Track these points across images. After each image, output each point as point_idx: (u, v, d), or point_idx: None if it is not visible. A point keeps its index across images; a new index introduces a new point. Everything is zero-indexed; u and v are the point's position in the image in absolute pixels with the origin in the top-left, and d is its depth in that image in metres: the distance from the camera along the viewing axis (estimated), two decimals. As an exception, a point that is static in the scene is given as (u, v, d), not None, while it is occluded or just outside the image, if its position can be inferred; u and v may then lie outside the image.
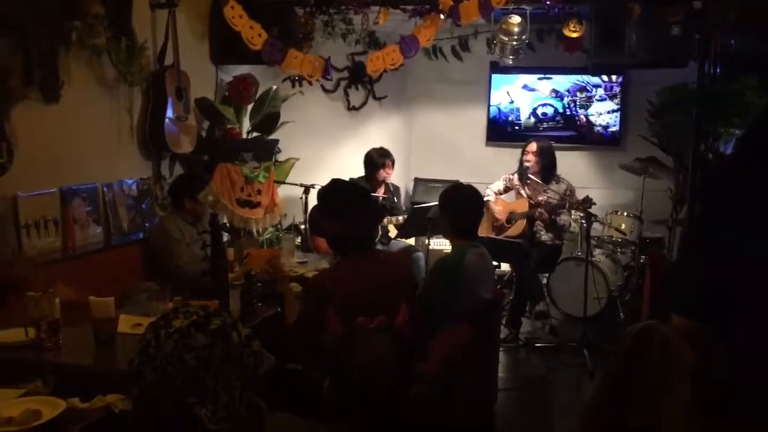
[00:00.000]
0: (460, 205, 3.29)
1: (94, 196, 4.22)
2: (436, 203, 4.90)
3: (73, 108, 3.96)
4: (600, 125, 6.52)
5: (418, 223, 5.01)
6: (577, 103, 6.54)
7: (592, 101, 6.50)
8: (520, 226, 5.50)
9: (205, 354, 1.23)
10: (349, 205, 2.65)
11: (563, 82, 6.56)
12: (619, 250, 5.92)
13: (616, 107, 6.44)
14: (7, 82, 3.47)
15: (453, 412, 3.01)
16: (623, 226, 5.56)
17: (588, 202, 4.92)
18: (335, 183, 2.85)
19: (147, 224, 4.59)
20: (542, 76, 6.62)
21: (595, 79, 6.46)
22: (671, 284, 2.05)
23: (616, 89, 6.42)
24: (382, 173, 5.54)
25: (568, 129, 6.59)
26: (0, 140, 3.33)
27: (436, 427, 2.41)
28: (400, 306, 2.32)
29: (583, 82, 6.51)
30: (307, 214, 5.07)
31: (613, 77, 6.41)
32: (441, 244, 5.76)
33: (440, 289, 3.07)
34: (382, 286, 2.47)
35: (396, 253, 5.08)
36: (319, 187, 5.06)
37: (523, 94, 6.70)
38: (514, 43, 5.03)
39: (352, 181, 3.10)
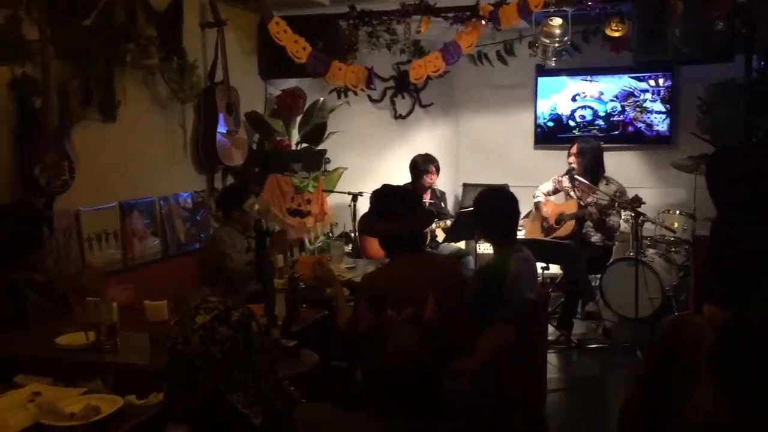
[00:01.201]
0: (490, 213, 3.31)
1: (152, 210, 4.42)
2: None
3: (129, 126, 4.17)
4: (650, 125, 6.44)
5: (465, 226, 5.06)
6: (626, 108, 6.48)
7: (641, 105, 6.43)
8: (569, 227, 5.48)
9: (230, 345, 1.32)
10: (399, 207, 2.78)
11: (611, 88, 6.51)
12: (673, 249, 5.83)
13: (665, 107, 6.35)
14: (67, 103, 3.70)
15: (496, 410, 3.04)
16: (676, 225, 5.48)
17: (637, 201, 4.88)
18: (386, 187, 2.97)
19: (202, 235, 4.77)
20: (588, 78, 6.58)
21: (643, 84, 6.38)
22: (704, 276, 2.07)
23: (664, 92, 6.34)
24: (427, 179, 5.61)
25: (615, 130, 6.53)
26: (62, 158, 3.53)
27: (477, 424, 2.45)
28: (428, 300, 2.40)
29: (630, 87, 6.44)
30: (357, 221, 5.17)
31: (660, 81, 6.32)
32: (489, 248, 5.78)
33: (483, 298, 3.11)
34: (418, 281, 2.55)
35: (443, 255, 5.13)
36: (368, 193, 5.20)
37: (567, 98, 6.68)
38: (556, 45, 5.03)
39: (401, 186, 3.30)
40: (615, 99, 6.51)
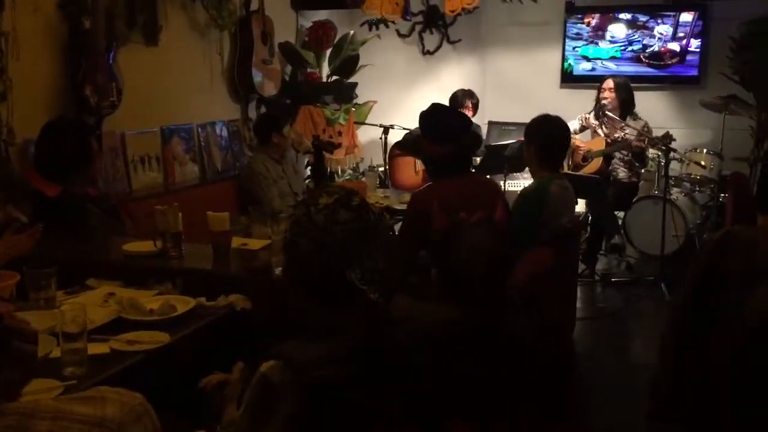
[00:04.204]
0: (548, 134, 3.35)
1: (191, 136, 4.50)
2: (513, 141, 5.02)
3: (170, 51, 4.21)
4: (679, 64, 6.40)
5: (495, 161, 5.11)
6: (656, 48, 6.43)
7: (671, 44, 6.38)
8: (596, 164, 5.54)
9: (350, 226, 1.42)
10: (452, 129, 2.78)
11: (643, 27, 6.44)
12: (698, 188, 5.87)
13: (695, 47, 6.31)
14: (113, 25, 3.73)
15: (536, 331, 3.16)
16: (703, 163, 5.53)
17: (668, 137, 4.92)
18: (438, 107, 2.96)
19: (237, 163, 4.85)
20: (617, 15, 6.52)
21: (669, 27, 6.32)
22: (759, 190, 2.15)
23: (695, 32, 6.28)
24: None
25: (645, 70, 6.50)
26: (111, 79, 3.60)
27: (522, 337, 2.57)
28: (497, 204, 2.48)
29: (663, 31, 6.37)
30: (387, 153, 5.23)
31: (691, 19, 6.24)
32: (516, 185, 5.84)
33: (525, 216, 3.19)
34: (479, 190, 2.62)
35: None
36: (399, 126, 5.24)
37: (600, 39, 6.62)
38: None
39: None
40: (647, 39, 6.46)
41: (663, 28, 6.41)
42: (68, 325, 1.83)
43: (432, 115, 2.88)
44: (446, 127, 2.80)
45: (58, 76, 3.49)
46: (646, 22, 6.45)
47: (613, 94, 5.44)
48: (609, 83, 5.49)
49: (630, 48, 6.55)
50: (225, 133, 4.82)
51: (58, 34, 3.47)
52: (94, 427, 0.94)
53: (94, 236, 2.91)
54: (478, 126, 6.02)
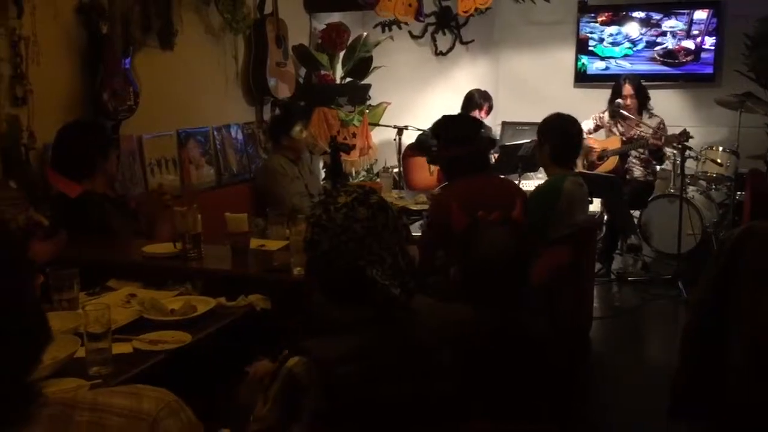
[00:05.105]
0: (562, 132, 3.35)
1: (206, 139, 4.53)
2: (527, 141, 5.02)
3: (185, 55, 4.25)
4: (694, 62, 6.38)
5: (508, 161, 5.11)
6: (670, 45, 6.41)
7: (685, 42, 6.35)
8: (611, 162, 5.53)
9: (369, 224, 1.44)
10: (467, 131, 2.84)
11: (657, 25, 6.42)
12: (714, 186, 5.84)
13: (710, 45, 6.27)
14: (129, 30, 3.77)
15: (553, 330, 3.16)
16: (719, 160, 5.50)
17: (685, 135, 4.91)
18: (449, 115, 3.05)
19: (252, 166, 4.88)
20: (631, 13, 6.50)
21: (695, 31, 6.30)
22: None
23: (709, 29, 6.25)
24: (475, 114, 5.65)
25: (659, 68, 6.47)
26: (128, 84, 3.64)
27: (539, 336, 2.58)
28: (516, 203, 2.50)
29: (679, 29, 6.35)
30: (402, 154, 5.24)
31: (705, 17, 6.22)
32: (530, 185, 5.83)
33: (540, 213, 3.20)
34: (498, 189, 2.64)
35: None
36: (413, 127, 5.26)
37: (616, 37, 6.60)
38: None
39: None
40: (661, 37, 6.43)
41: (677, 26, 6.38)
42: (92, 325, 1.86)
43: (445, 121, 2.98)
44: (459, 129, 2.88)
45: (77, 80, 3.53)
46: (660, 20, 6.43)
47: (635, 100, 5.45)
48: (629, 89, 5.47)
49: (644, 46, 6.53)
50: (240, 135, 4.86)
51: (77, 39, 3.51)
52: (131, 419, 0.98)
53: (115, 238, 2.95)
54: (489, 128, 6.03)
